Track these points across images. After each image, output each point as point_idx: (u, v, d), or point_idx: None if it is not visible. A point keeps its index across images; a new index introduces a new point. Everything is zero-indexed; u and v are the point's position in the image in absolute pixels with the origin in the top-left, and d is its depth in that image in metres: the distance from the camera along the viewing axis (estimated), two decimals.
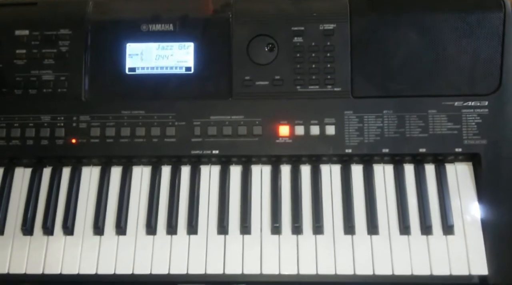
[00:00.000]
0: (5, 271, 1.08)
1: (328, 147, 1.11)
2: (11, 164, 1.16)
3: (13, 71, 1.16)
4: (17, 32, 1.17)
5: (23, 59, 1.17)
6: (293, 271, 1.05)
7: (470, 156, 1.11)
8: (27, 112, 1.14)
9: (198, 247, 1.07)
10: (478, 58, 1.12)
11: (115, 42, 1.17)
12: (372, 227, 1.07)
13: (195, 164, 1.14)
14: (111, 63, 1.16)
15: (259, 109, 1.13)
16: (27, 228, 1.10)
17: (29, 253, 1.09)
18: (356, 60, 1.14)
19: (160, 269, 1.06)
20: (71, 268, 1.07)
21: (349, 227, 1.07)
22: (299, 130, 1.12)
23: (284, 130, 1.12)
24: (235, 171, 1.14)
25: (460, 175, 1.11)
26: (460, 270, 1.04)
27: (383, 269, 1.04)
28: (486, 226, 1.06)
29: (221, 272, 1.05)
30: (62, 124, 1.14)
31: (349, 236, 1.07)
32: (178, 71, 1.16)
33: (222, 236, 1.08)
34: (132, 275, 1.06)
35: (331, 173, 1.13)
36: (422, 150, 1.10)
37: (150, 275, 1.06)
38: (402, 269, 1.04)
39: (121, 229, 1.09)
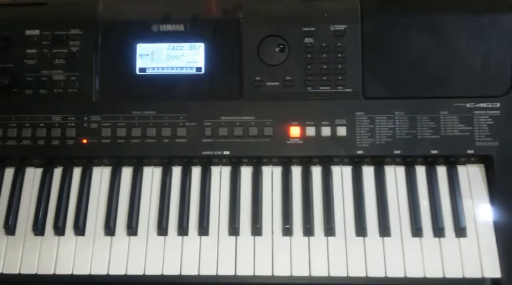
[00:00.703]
0: (17, 272, 1.08)
1: (339, 148, 1.11)
2: (22, 164, 1.16)
3: (24, 71, 1.16)
4: (28, 32, 1.17)
5: (33, 59, 1.16)
6: (305, 273, 1.05)
7: (482, 158, 1.11)
8: (38, 112, 1.14)
9: (209, 248, 1.07)
10: (490, 60, 1.12)
11: (125, 42, 1.17)
12: (384, 229, 1.07)
13: (206, 165, 1.14)
14: (122, 64, 1.16)
15: (270, 110, 1.13)
16: (38, 229, 1.10)
17: (40, 254, 1.09)
18: (367, 61, 1.13)
19: (172, 270, 1.06)
20: (82, 269, 1.07)
21: (361, 229, 1.07)
22: (310, 131, 1.11)
23: (295, 131, 1.12)
24: (246, 172, 1.13)
25: (472, 177, 1.11)
26: (472, 273, 1.03)
27: (395, 272, 1.04)
28: (499, 228, 1.06)
29: (232, 273, 1.05)
30: (73, 124, 1.14)
31: (361, 238, 1.07)
32: (188, 71, 1.16)
33: (233, 237, 1.08)
34: (144, 276, 1.06)
35: (342, 174, 1.12)
36: (434, 151, 1.10)
37: (162, 276, 1.06)
38: (415, 272, 1.04)
39: (132, 229, 1.09)
